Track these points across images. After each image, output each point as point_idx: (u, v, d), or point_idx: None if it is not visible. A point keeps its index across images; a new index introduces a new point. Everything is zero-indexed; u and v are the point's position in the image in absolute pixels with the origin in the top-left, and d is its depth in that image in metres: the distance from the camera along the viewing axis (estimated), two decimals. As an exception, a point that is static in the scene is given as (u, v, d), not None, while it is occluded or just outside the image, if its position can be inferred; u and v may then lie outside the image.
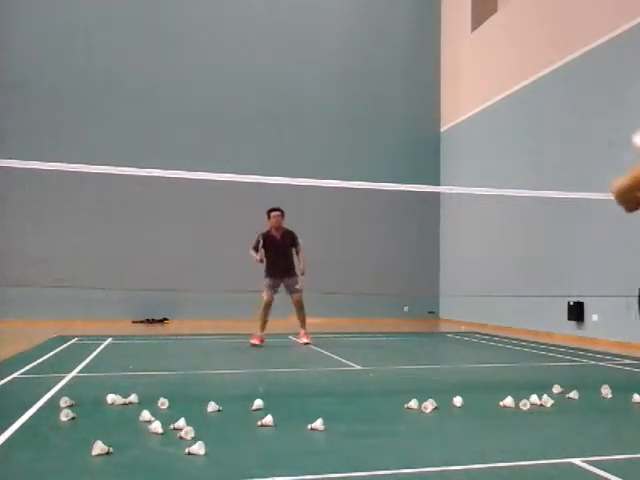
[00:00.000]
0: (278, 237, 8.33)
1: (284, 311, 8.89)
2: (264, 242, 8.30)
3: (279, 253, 8.29)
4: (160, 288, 11.08)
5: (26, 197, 10.73)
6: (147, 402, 4.19)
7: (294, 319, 8.75)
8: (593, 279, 9.05)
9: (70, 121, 12.54)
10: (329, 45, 14.01)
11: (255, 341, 8.17)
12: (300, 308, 8.52)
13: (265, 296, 8.28)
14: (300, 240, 8.43)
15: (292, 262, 8.41)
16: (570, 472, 2.91)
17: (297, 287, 8.40)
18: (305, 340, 8.51)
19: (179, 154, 12.38)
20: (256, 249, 8.30)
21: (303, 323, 8.62)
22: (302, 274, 8.35)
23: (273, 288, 8.33)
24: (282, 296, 8.54)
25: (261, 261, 8.25)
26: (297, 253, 8.42)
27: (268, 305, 8.29)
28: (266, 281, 8.31)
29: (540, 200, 7.77)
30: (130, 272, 11.57)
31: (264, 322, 8.29)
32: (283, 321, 9.64)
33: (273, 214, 8.33)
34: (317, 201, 11.72)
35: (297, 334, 8.75)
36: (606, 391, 4.81)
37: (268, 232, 8.37)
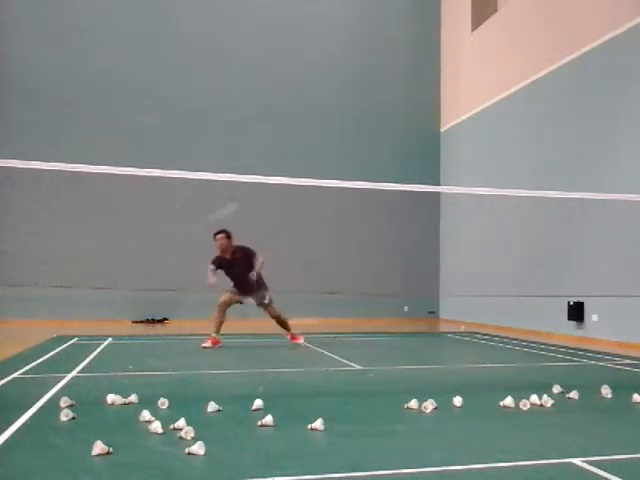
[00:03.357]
0: (228, 257, 8.15)
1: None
2: (219, 265, 8.13)
3: (235, 272, 8.12)
4: (160, 288, 11.08)
5: (26, 197, 10.73)
6: (147, 402, 4.19)
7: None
8: (593, 279, 9.05)
9: (70, 121, 12.54)
10: (329, 45, 14.01)
11: (207, 344, 7.96)
12: (278, 319, 8.38)
13: (223, 296, 8.14)
14: (256, 254, 8.12)
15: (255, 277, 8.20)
16: (570, 472, 2.91)
17: (265, 301, 8.20)
18: (300, 340, 8.48)
19: (179, 154, 12.39)
20: (214, 272, 8.05)
21: (287, 328, 8.50)
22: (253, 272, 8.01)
23: (237, 295, 8.19)
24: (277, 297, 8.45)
25: (213, 286, 7.97)
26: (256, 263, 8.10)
27: (224, 304, 8.11)
28: (232, 289, 8.20)
29: (540, 200, 7.76)
30: (130, 272, 11.56)
31: (219, 322, 8.09)
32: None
33: (216, 237, 8.16)
34: (317, 201, 11.67)
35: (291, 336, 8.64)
36: (606, 391, 4.81)
37: (218, 255, 8.20)
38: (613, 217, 8.71)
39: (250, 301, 8.27)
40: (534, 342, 9.18)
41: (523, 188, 7.64)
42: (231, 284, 8.26)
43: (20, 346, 7.81)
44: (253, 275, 7.96)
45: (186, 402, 4.39)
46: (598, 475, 2.84)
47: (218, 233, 8.19)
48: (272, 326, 8.60)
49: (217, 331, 8.08)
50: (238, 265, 8.09)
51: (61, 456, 3.08)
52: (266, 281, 8.31)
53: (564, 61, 10.32)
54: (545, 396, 4.46)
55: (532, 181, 9.91)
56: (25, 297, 10.74)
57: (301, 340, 8.51)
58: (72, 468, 2.87)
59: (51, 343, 8.35)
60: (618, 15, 9.17)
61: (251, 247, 8.23)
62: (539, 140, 10.92)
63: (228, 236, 8.17)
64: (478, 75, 13.16)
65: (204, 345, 7.97)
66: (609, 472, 2.85)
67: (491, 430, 3.77)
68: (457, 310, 13.34)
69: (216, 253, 8.17)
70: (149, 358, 7.19)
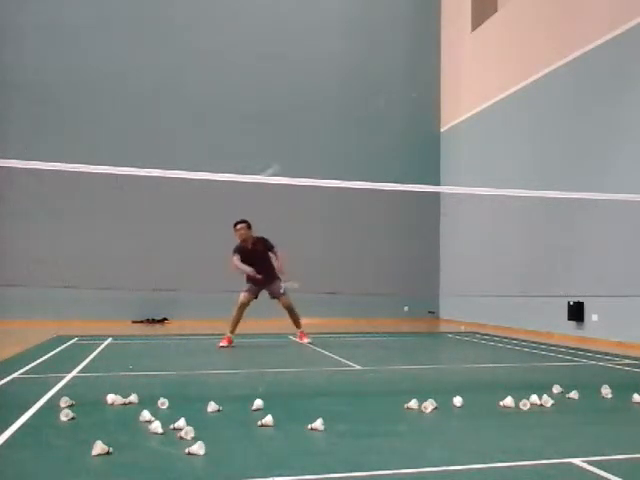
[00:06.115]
0: (249, 247, 8.24)
1: (281, 312, 8.88)
2: (240, 254, 8.19)
3: (255, 262, 8.17)
4: (160, 288, 11.07)
5: (26, 197, 10.72)
6: (147, 402, 4.19)
7: (289, 320, 8.73)
8: (593, 279, 9.04)
9: (70, 121, 12.54)
10: (329, 45, 14.01)
11: (223, 343, 8.08)
12: (290, 310, 8.50)
13: (242, 297, 8.23)
14: (275, 246, 8.30)
15: (271, 268, 8.31)
16: (570, 472, 2.90)
17: (281, 291, 8.35)
18: (306, 340, 8.54)
19: (179, 154, 12.39)
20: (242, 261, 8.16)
21: (297, 323, 8.63)
22: (280, 271, 8.23)
23: (253, 293, 8.30)
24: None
25: (253, 272, 8.04)
26: (275, 255, 8.30)
27: (243, 306, 8.23)
28: (247, 285, 8.28)
29: (540, 200, 7.76)
30: (130, 272, 11.55)
31: (236, 323, 8.22)
32: (281, 321, 9.63)
33: (237, 227, 8.25)
34: (317, 201, 11.71)
35: (295, 334, 8.77)
36: (606, 391, 4.81)
37: (239, 245, 8.28)
38: (613, 217, 8.71)
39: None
40: (534, 342, 9.18)
41: (523, 188, 7.64)
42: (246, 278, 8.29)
43: (20, 346, 7.81)
44: (281, 276, 8.22)
45: (186, 402, 4.38)
46: (598, 475, 2.83)
47: (239, 223, 8.30)
48: (272, 326, 8.60)
49: (232, 331, 8.21)
50: (257, 256, 8.20)
51: (61, 456, 3.08)
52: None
53: (564, 61, 10.31)
54: (545, 396, 4.45)
55: (532, 181, 9.91)
56: (25, 297, 10.73)
57: (307, 340, 8.54)
58: (72, 468, 2.87)
59: (51, 343, 8.34)
60: (618, 15, 9.17)
61: (270, 239, 8.34)
62: (539, 140, 10.91)
63: (249, 226, 8.30)
64: (478, 75, 13.16)
65: (221, 344, 8.08)
66: (609, 472, 2.84)
67: (491, 430, 3.77)
68: (457, 310, 13.33)
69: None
70: (149, 358, 7.20)
